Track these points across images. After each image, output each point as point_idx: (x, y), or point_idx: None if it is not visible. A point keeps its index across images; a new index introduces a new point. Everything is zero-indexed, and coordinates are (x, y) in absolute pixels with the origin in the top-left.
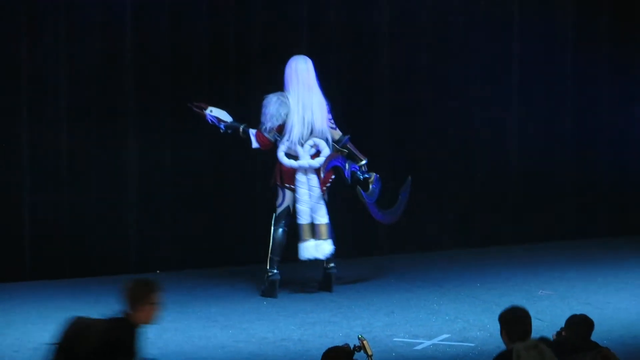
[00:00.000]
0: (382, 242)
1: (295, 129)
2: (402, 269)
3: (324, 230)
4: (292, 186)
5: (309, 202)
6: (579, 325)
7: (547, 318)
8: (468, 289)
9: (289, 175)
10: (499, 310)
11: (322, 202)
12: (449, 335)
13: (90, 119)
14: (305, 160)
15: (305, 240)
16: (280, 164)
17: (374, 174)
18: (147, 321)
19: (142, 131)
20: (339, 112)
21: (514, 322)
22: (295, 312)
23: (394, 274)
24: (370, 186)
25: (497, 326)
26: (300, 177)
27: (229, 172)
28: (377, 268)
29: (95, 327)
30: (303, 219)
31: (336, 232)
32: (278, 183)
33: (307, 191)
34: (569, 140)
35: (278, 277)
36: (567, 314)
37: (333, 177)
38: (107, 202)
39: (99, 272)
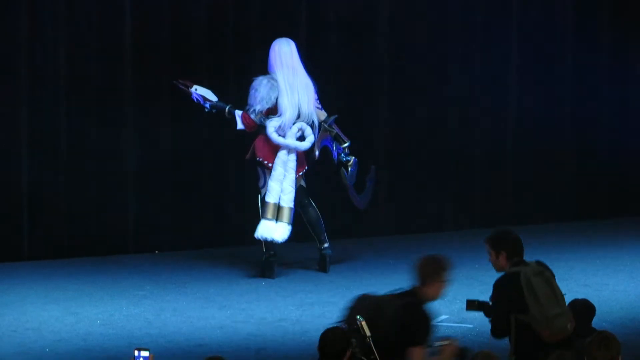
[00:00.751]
0: (381, 223)
1: (287, 112)
2: (401, 250)
3: (286, 214)
4: (267, 162)
5: (281, 181)
6: (581, 312)
7: None
8: (466, 270)
9: (269, 152)
10: None
11: (293, 186)
12: (448, 316)
13: (89, 100)
14: (292, 141)
15: (267, 218)
16: (261, 138)
17: (353, 157)
18: (435, 297)
19: (140, 112)
20: (334, 94)
21: (513, 242)
22: (294, 293)
23: (393, 255)
24: (349, 169)
25: None
26: (281, 155)
27: (227, 153)
28: (376, 249)
29: (386, 304)
30: (271, 197)
31: (334, 212)
32: (260, 158)
33: (282, 170)
34: (569, 120)
35: (275, 257)
36: (566, 296)
37: (307, 167)
38: (106, 182)
39: (97, 252)
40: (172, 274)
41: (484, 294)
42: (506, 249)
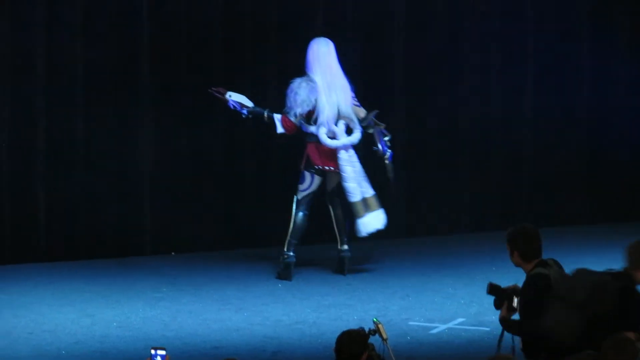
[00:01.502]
0: (398, 225)
1: (325, 112)
2: (417, 252)
3: (374, 202)
4: (329, 168)
5: (355, 178)
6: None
7: None
8: (483, 272)
9: (327, 157)
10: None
11: (364, 174)
12: (464, 319)
13: (106, 102)
14: (345, 139)
15: (362, 216)
16: (316, 146)
17: (390, 151)
18: None
19: (157, 114)
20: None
21: (530, 240)
22: (311, 295)
23: (409, 257)
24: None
25: None
26: (342, 155)
27: (243, 155)
28: (392, 251)
29: (606, 283)
30: (355, 196)
31: (350, 215)
32: (318, 166)
33: (351, 168)
34: (584, 124)
35: (293, 259)
36: None
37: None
38: (123, 184)
39: (114, 254)
40: (189, 276)
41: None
42: (522, 248)
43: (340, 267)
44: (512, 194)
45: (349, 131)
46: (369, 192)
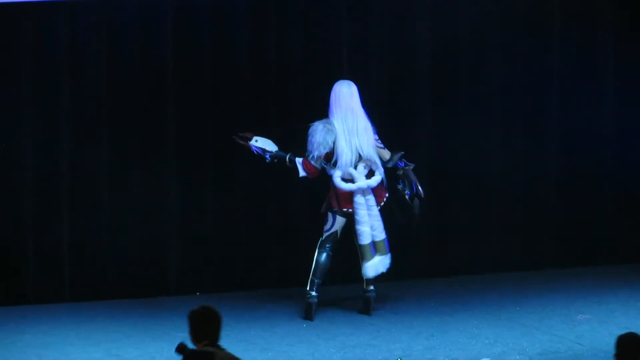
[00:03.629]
0: (421, 265)
1: (344, 155)
2: (442, 292)
3: (382, 246)
4: (347, 210)
5: (369, 222)
6: (630, 347)
7: (587, 342)
8: (507, 312)
9: (345, 199)
10: (538, 334)
11: (380, 219)
12: (489, 359)
13: (131, 142)
14: (362, 182)
15: (369, 259)
16: (334, 189)
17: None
18: None
19: (182, 153)
20: (379, 124)
21: (634, 348)
22: (335, 335)
23: (434, 297)
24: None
25: (536, 350)
26: (358, 199)
27: (268, 196)
28: (417, 291)
29: None
30: (365, 240)
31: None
32: (335, 208)
33: (366, 211)
34: (611, 160)
35: (315, 300)
36: (608, 339)
37: (387, 195)
38: (146, 224)
39: (138, 294)
40: None
41: (525, 336)
42: (624, 355)
43: (366, 307)
44: (534, 233)
45: (371, 174)
46: (380, 236)
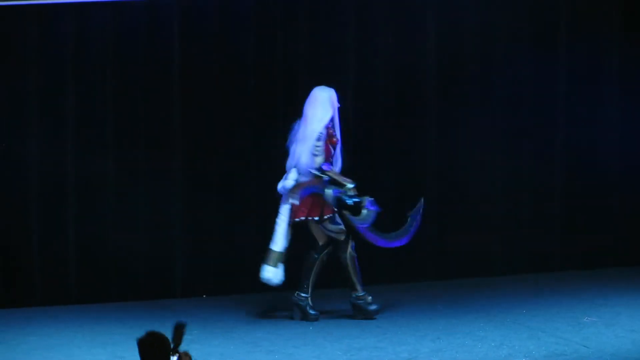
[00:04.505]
0: (427, 267)
1: (288, 160)
2: (448, 294)
3: (283, 258)
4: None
5: (284, 228)
6: None
7: (593, 345)
8: (514, 315)
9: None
10: (544, 337)
11: (276, 229)
12: None
13: (137, 143)
14: (280, 184)
15: (273, 265)
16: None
17: (366, 197)
18: None
19: (189, 155)
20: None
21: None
22: (341, 338)
23: (440, 300)
24: (363, 211)
25: (542, 352)
26: (284, 204)
27: (273, 202)
28: (423, 294)
29: None
30: (278, 246)
31: (380, 257)
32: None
33: (284, 217)
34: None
35: (299, 300)
36: (613, 342)
37: (303, 217)
38: (153, 225)
39: (144, 296)
40: (219, 318)
41: (531, 339)
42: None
43: (360, 313)
44: (542, 234)
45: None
46: (272, 244)
